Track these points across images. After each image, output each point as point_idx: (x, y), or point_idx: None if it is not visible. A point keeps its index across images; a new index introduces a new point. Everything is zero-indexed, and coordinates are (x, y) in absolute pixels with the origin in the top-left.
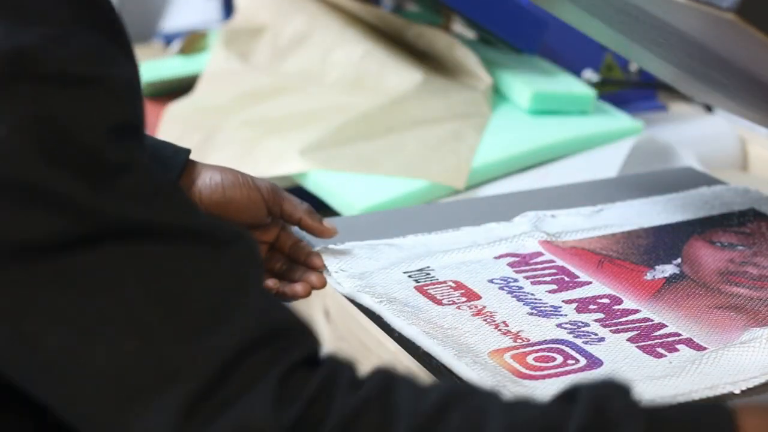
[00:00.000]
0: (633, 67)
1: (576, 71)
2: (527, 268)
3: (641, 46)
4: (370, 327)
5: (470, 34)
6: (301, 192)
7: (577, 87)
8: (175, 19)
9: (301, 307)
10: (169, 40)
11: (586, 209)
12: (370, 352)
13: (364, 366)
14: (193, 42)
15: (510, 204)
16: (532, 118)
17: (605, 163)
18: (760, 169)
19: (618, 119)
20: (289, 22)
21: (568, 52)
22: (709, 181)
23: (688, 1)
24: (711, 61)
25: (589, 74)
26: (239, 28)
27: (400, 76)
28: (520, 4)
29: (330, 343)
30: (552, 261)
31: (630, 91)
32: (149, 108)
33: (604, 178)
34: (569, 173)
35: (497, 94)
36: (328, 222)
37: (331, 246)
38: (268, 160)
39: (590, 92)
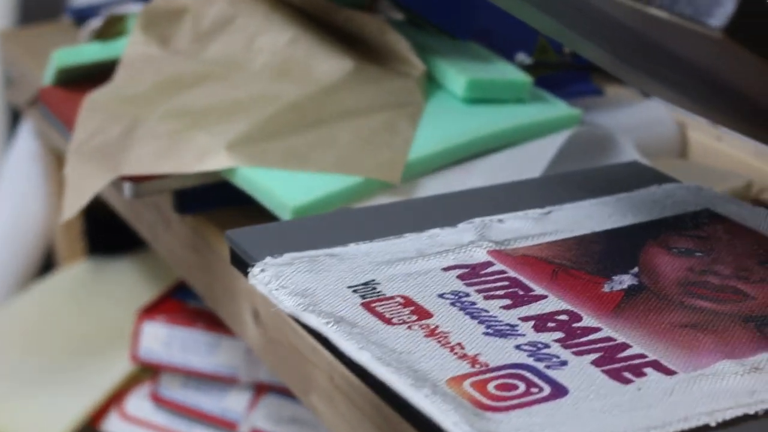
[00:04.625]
0: (567, 49)
1: (508, 54)
2: (478, 280)
3: (579, 35)
4: (304, 332)
5: (398, 15)
6: (230, 189)
7: (512, 73)
8: None
9: (227, 307)
10: (78, 15)
11: (534, 212)
12: (305, 359)
13: (301, 374)
14: (110, 25)
15: (453, 205)
16: (468, 107)
17: (540, 154)
18: (700, 156)
19: (556, 107)
20: (211, 4)
21: (500, 34)
22: (659, 178)
23: (670, 17)
24: (665, 61)
25: (522, 57)
26: (158, 9)
27: (330, 64)
28: None
29: (260, 347)
30: (503, 272)
31: (564, 73)
32: (67, 96)
33: (550, 175)
34: (505, 166)
35: (431, 81)
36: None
37: (268, 259)
38: (194, 155)
39: (526, 79)
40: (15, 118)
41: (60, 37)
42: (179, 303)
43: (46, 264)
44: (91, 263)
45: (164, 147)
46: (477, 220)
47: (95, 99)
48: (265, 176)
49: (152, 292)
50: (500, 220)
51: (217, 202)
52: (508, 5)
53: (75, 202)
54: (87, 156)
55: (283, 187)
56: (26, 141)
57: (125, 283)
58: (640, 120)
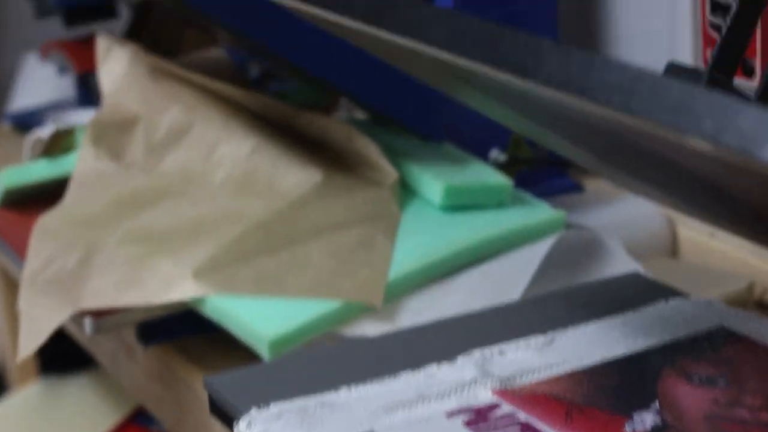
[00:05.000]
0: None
1: (481, 151)
2: (486, 425)
3: (560, 137)
4: None
5: (359, 113)
6: (200, 320)
7: (491, 176)
8: (23, 98)
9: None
10: (18, 121)
11: (536, 340)
12: None
13: None
14: (58, 140)
15: (447, 334)
16: (446, 215)
17: (525, 264)
18: (692, 254)
19: (539, 210)
20: (164, 113)
21: (472, 130)
22: (664, 291)
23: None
24: (662, 167)
25: (496, 154)
26: (108, 120)
27: (297, 176)
28: (417, 85)
29: None
30: (512, 415)
31: (540, 169)
32: (16, 219)
33: (548, 293)
34: (489, 279)
35: (404, 188)
36: None
37: (254, 411)
38: (158, 285)
39: (507, 182)
40: None
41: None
42: (142, 429)
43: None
44: (45, 384)
45: (125, 276)
46: (476, 353)
47: (46, 223)
48: (237, 305)
49: (113, 415)
50: (501, 352)
51: (184, 330)
52: (482, 107)
53: (31, 340)
54: (42, 288)
55: (257, 317)
56: None
57: (82, 406)
58: (626, 217)
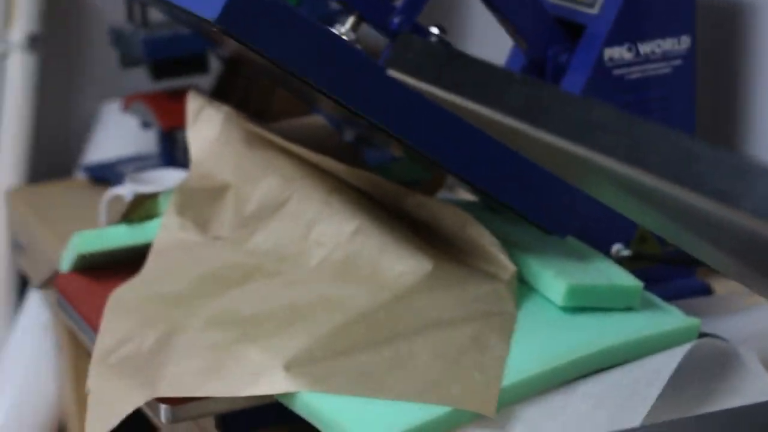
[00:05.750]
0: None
1: (603, 245)
2: None
3: (700, 239)
4: None
5: (467, 194)
6: (287, 410)
7: (620, 277)
8: (101, 150)
9: None
10: (93, 174)
11: None
12: None
13: None
14: (138, 206)
15: None
16: (568, 316)
17: (655, 375)
18: None
19: (670, 317)
20: (258, 183)
21: (595, 222)
22: None
23: None
24: None
25: (619, 248)
26: (195, 187)
27: (404, 264)
28: (539, 172)
29: None
30: None
31: (665, 267)
32: (88, 286)
33: (687, 417)
34: (614, 389)
35: (521, 284)
36: None
37: None
38: (245, 376)
39: (637, 284)
40: (23, 284)
41: (72, 196)
42: None
43: None
44: None
45: (208, 364)
46: None
47: (123, 296)
48: (332, 404)
49: None
50: None
51: (269, 421)
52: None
53: (101, 425)
54: (115, 368)
55: (355, 420)
56: (35, 311)
57: None
58: (762, 327)
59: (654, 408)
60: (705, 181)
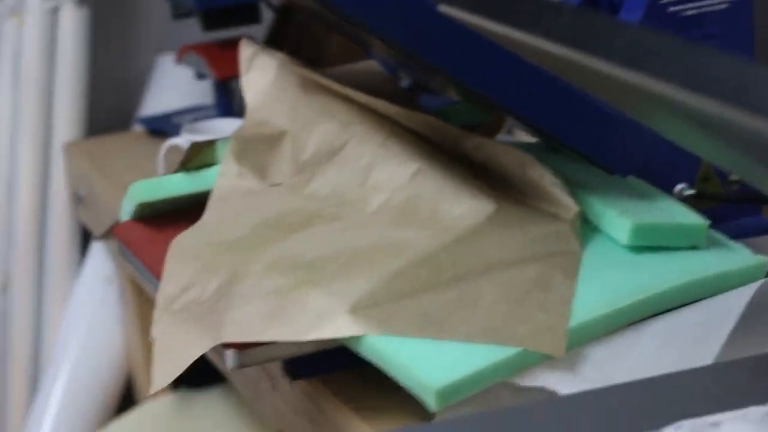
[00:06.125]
0: (734, 176)
1: (666, 185)
2: None
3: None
4: None
5: (527, 137)
6: (352, 355)
7: (685, 216)
8: (156, 102)
9: None
10: (150, 125)
11: (755, 411)
12: None
13: None
14: (195, 154)
15: (648, 398)
16: (633, 256)
17: (723, 315)
18: None
19: (737, 255)
20: (314, 129)
21: (658, 163)
22: None
23: None
24: None
25: (682, 188)
26: (252, 135)
27: (466, 206)
28: (600, 111)
29: None
30: None
31: (729, 206)
32: (148, 235)
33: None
34: (681, 329)
35: (584, 224)
36: None
37: None
38: (309, 320)
39: (702, 223)
40: (85, 237)
41: (129, 148)
42: None
43: (126, 398)
44: (176, 398)
45: (273, 309)
46: (687, 425)
47: (184, 243)
48: (399, 347)
49: (242, 430)
50: (715, 424)
51: (335, 365)
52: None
53: (167, 372)
54: (178, 315)
55: (421, 362)
56: (98, 263)
57: (213, 420)
58: None
59: (722, 348)
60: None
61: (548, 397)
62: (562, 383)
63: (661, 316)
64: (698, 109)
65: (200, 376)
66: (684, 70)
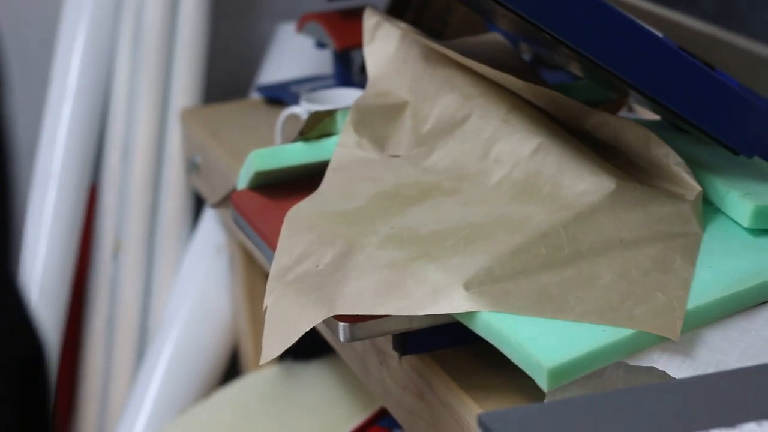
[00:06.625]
0: None
1: None
2: None
3: None
4: None
5: (649, 114)
6: (464, 331)
7: None
8: (275, 71)
9: None
10: (268, 93)
11: None
12: None
13: None
14: (315, 123)
15: (764, 384)
16: (755, 239)
17: None
18: None
19: None
20: (436, 101)
21: None
22: None
23: None
24: None
25: None
26: (372, 105)
27: (586, 183)
28: (729, 89)
29: None
30: None
31: None
32: (265, 203)
33: None
34: None
35: (706, 205)
36: None
37: None
38: (424, 295)
39: None
40: (198, 204)
41: (247, 116)
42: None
43: (231, 369)
44: (281, 369)
45: (387, 282)
46: None
47: (300, 214)
48: (512, 324)
49: (354, 413)
50: None
51: (446, 342)
52: None
53: (277, 343)
54: (292, 286)
55: (535, 341)
56: (210, 230)
57: (319, 393)
58: None
59: None
60: None
61: (658, 379)
62: (674, 365)
63: None
64: None
65: (307, 348)
66: None
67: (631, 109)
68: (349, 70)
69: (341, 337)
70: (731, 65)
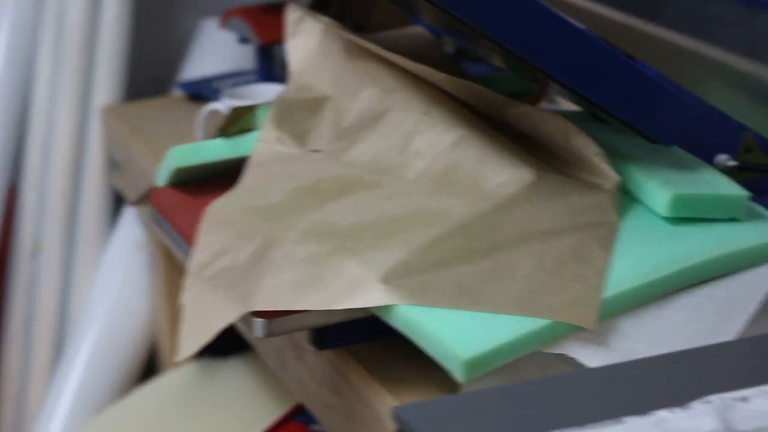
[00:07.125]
0: None
1: (707, 155)
2: None
3: None
4: None
5: (569, 104)
6: (380, 324)
7: (725, 186)
8: (198, 66)
9: None
10: (190, 90)
11: None
12: None
13: None
14: (235, 119)
15: (676, 373)
16: (671, 227)
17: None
18: None
19: None
20: (357, 95)
21: (699, 132)
22: None
23: None
24: None
25: (723, 159)
26: (293, 100)
27: (505, 175)
28: (647, 79)
29: None
30: None
31: None
32: (184, 200)
33: None
34: (710, 301)
35: (624, 194)
36: None
37: None
38: (341, 289)
39: (742, 194)
40: (118, 202)
41: (168, 113)
42: (301, 427)
43: (150, 366)
44: (200, 366)
45: (304, 276)
46: (715, 399)
47: (219, 210)
48: (429, 317)
49: (271, 409)
50: (744, 398)
51: (363, 335)
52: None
53: (195, 339)
54: (209, 282)
55: (451, 333)
56: (129, 229)
57: (238, 395)
58: None
59: (751, 322)
60: None
61: (574, 369)
62: (587, 354)
63: (688, 290)
64: (756, 77)
65: (225, 345)
66: (744, 36)
67: (552, 101)
68: (271, 65)
69: (258, 333)
70: (649, 55)
